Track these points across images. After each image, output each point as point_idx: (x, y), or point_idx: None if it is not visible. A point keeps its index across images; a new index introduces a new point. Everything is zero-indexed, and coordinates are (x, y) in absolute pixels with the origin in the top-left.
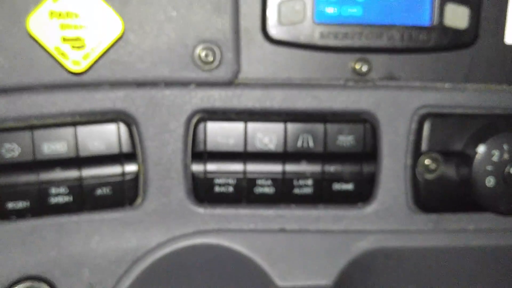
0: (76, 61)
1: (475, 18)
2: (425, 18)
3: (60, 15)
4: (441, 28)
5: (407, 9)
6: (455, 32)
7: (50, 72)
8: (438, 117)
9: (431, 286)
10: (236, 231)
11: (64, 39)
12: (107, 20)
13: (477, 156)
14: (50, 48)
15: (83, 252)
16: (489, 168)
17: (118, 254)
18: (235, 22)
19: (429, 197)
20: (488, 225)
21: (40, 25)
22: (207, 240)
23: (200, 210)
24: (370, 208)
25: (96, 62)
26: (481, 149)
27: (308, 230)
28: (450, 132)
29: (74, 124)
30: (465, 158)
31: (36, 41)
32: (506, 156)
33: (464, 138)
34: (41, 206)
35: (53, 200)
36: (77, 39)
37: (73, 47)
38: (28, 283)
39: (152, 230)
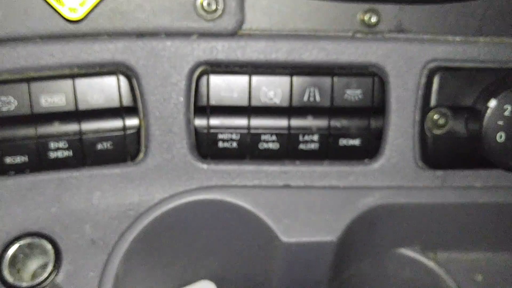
0: (73, 8)
1: None
2: None
3: None
4: None
5: None
6: None
7: (47, 21)
8: (448, 71)
9: (435, 243)
10: (240, 187)
11: None
12: None
13: (488, 111)
14: None
15: (84, 208)
16: (500, 123)
17: (120, 210)
18: None
19: (437, 153)
20: (496, 182)
21: None
22: (211, 196)
23: (203, 166)
24: (377, 164)
25: (93, 9)
26: (492, 103)
27: (313, 186)
28: (461, 87)
29: (72, 76)
30: (476, 113)
31: None
32: None
33: (475, 92)
34: (40, 161)
35: (52, 155)
36: None
37: None
38: (28, 240)
39: (155, 186)
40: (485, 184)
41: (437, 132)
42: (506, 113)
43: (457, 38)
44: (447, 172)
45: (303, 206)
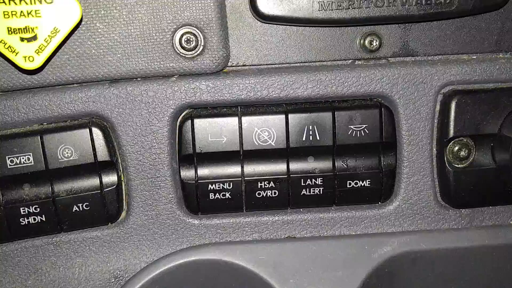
0: (28, 56)
1: None
2: None
3: (1, 0)
4: None
5: None
6: None
7: (4, 73)
8: (466, 95)
9: None
10: (238, 243)
11: (10, 30)
12: (61, 4)
13: None
14: None
15: (64, 278)
16: None
17: (104, 278)
18: None
19: (461, 190)
20: None
21: None
22: (205, 256)
23: (195, 221)
24: (392, 207)
25: (55, 56)
26: None
27: (321, 237)
28: (483, 112)
29: (40, 132)
30: (503, 141)
31: None
32: None
33: (500, 117)
34: (10, 230)
35: (24, 221)
36: (26, 28)
37: (23, 39)
38: None
39: (141, 248)
40: None
41: (459, 165)
42: None
43: (473, 57)
44: (474, 210)
45: (311, 261)
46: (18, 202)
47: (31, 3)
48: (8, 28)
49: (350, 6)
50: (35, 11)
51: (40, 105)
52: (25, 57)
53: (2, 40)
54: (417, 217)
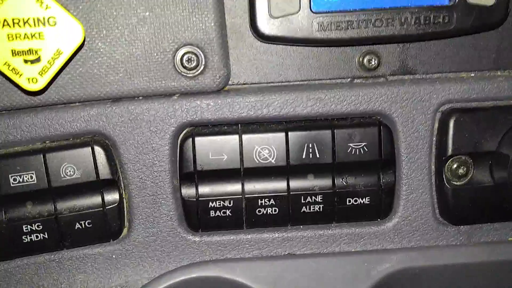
0: (32, 77)
1: None
2: None
3: (5, 23)
4: (464, 7)
5: None
6: (481, 10)
7: (7, 93)
8: (465, 113)
9: None
10: (238, 260)
11: (14, 52)
12: (64, 26)
13: None
14: None
15: None
16: None
17: None
18: (220, 19)
19: (459, 207)
20: None
21: None
22: (205, 273)
23: (195, 238)
24: (391, 224)
25: (57, 77)
26: None
27: (321, 254)
28: (481, 130)
29: (43, 151)
30: (501, 159)
31: None
32: None
33: (498, 135)
34: (13, 247)
35: (27, 238)
36: (30, 51)
37: (26, 61)
38: None
39: (142, 265)
40: None
41: (458, 183)
42: None
43: (472, 75)
44: (473, 226)
45: (311, 278)
46: (21, 220)
47: (34, 26)
48: (12, 50)
49: (349, 26)
50: (39, 33)
51: (43, 123)
52: (28, 78)
53: (6, 62)
54: (416, 233)
